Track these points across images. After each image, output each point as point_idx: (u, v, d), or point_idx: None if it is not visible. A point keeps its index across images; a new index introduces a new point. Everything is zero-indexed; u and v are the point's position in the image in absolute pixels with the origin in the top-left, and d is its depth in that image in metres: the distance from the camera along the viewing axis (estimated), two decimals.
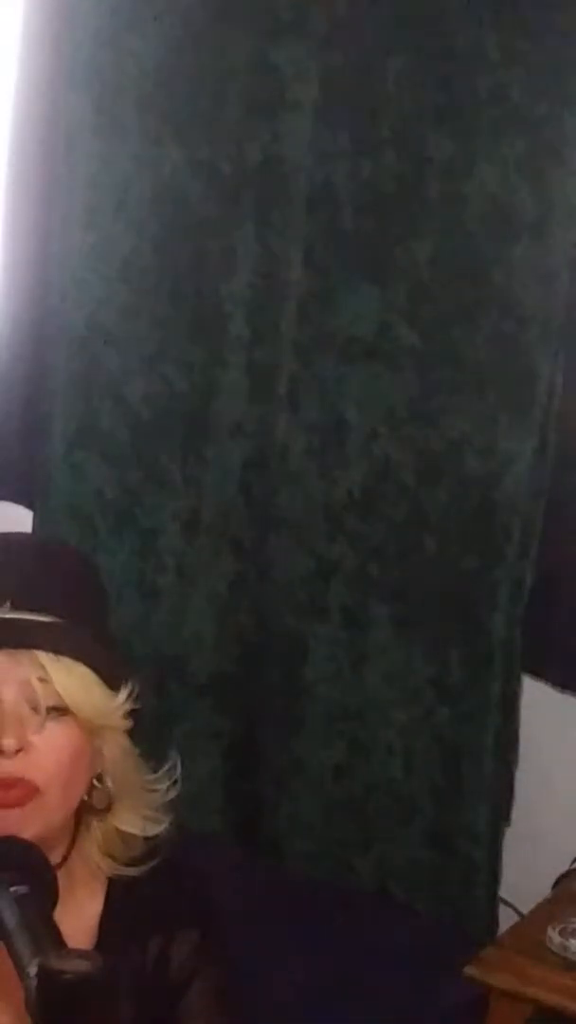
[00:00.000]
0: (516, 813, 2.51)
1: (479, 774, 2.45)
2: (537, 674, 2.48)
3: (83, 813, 1.61)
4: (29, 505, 2.87)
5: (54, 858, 1.56)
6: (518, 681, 2.46)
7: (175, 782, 1.66)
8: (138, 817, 1.64)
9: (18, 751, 1.52)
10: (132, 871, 1.63)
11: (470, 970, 2.16)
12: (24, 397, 2.84)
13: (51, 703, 1.54)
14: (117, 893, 1.64)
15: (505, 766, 2.48)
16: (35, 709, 1.54)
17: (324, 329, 2.50)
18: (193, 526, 2.66)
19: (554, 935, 2.18)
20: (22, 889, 1.33)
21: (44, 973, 1.23)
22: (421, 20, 2.36)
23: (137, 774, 1.64)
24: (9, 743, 1.52)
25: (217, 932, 1.65)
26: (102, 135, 2.64)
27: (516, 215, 2.33)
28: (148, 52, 2.57)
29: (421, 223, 2.40)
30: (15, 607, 1.55)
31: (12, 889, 1.32)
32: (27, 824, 1.51)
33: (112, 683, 1.58)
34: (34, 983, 1.23)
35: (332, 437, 2.51)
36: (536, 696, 2.48)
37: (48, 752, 1.54)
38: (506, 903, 2.49)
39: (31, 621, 1.55)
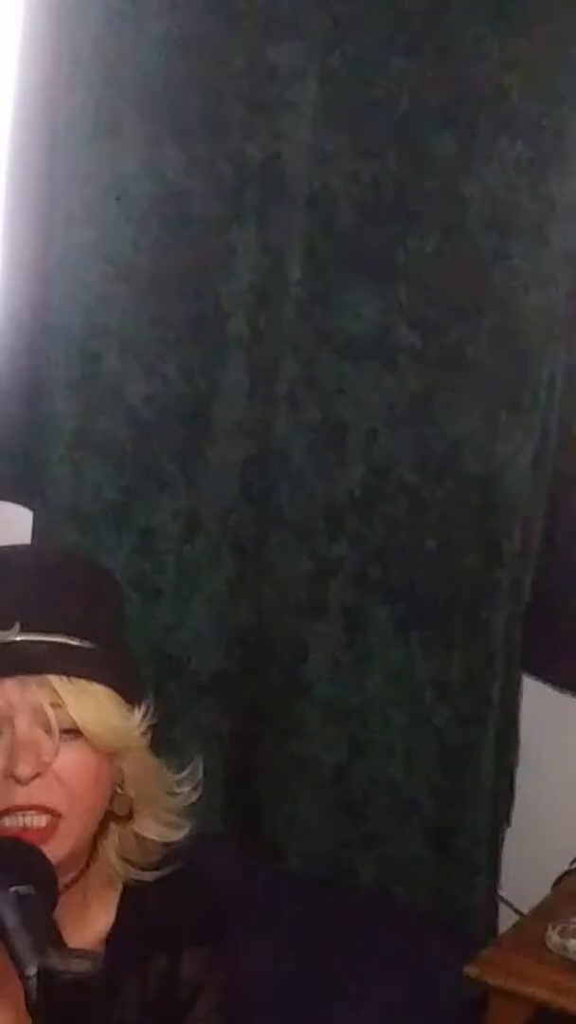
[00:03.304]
0: (516, 813, 2.51)
1: (479, 774, 2.45)
2: (537, 674, 2.48)
3: (104, 819, 1.59)
4: (29, 505, 2.87)
5: (73, 872, 1.56)
6: (518, 681, 2.46)
7: (196, 786, 1.64)
8: (159, 823, 1.62)
9: (34, 777, 1.50)
10: (148, 876, 1.62)
11: (470, 970, 2.15)
12: (24, 397, 2.84)
13: (65, 727, 1.52)
14: (129, 906, 1.62)
15: (505, 766, 2.48)
16: (49, 733, 1.51)
17: (324, 329, 2.50)
18: (193, 526, 2.66)
19: (554, 935, 2.18)
20: (23, 889, 1.33)
21: (44, 973, 1.23)
22: (421, 20, 2.36)
23: (158, 783, 1.62)
24: (24, 770, 1.49)
25: (226, 949, 1.63)
26: (102, 135, 2.63)
27: (516, 215, 2.33)
28: (148, 52, 2.57)
29: (421, 223, 2.40)
30: (24, 629, 1.52)
31: (12, 889, 1.32)
32: (53, 852, 1.48)
33: (129, 700, 1.56)
34: (34, 983, 1.24)
35: (332, 437, 2.51)
36: (536, 696, 2.49)
37: (66, 776, 1.52)
38: (506, 903, 2.49)
39: (41, 644, 1.52)
